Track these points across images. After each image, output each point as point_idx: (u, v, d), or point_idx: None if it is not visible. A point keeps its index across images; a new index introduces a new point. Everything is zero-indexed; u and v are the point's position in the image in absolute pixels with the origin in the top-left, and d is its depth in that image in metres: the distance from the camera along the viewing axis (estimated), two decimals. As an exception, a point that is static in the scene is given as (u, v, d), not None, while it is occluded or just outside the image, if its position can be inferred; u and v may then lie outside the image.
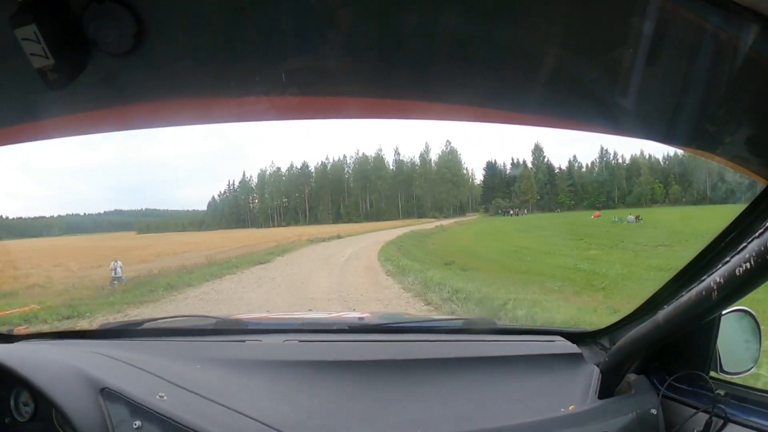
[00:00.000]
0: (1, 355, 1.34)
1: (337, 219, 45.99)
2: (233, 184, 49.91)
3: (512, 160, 47.51)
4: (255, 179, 49.71)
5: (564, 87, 1.25)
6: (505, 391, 1.54)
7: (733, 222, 1.29)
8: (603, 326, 1.81)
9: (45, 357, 1.45)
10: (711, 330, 1.44)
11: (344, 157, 50.54)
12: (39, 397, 1.33)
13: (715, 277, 1.06)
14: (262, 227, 44.84)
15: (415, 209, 47.13)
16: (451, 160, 48.70)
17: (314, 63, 1.22)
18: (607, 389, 1.47)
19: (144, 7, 1.01)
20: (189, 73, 1.23)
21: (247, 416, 1.27)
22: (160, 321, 2.06)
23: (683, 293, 1.18)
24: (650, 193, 41.52)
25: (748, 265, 0.96)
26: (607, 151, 44.95)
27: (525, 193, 44.76)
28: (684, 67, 1.11)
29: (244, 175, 51.46)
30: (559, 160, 47.34)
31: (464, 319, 2.07)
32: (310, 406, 1.42)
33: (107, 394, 1.27)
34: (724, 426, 1.30)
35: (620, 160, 44.13)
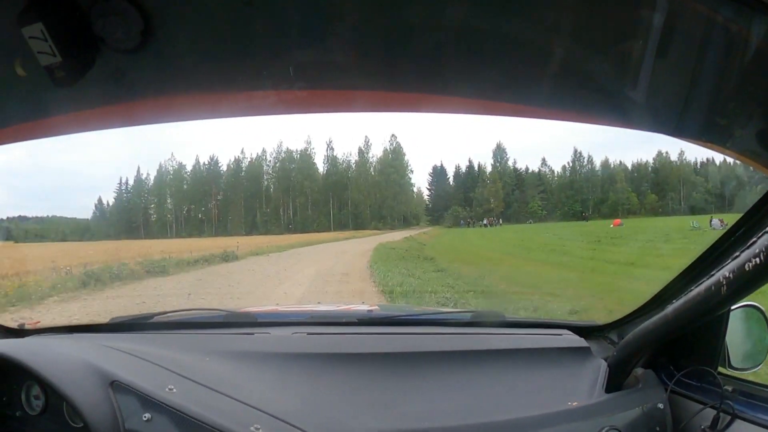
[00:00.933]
0: (12, 349, 1.35)
1: (252, 229, 38.84)
2: (126, 184, 40.38)
3: (469, 162, 42.04)
4: (152, 178, 41.16)
5: (573, 79, 1.24)
6: (512, 384, 1.55)
7: (742, 217, 1.28)
8: (611, 320, 1.81)
9: (55, 351, 1.46)
10: (720, 325, 1.44)
11: (263, 152, 42.00)
12: (49, 390, 1.34)
13: (725, 272, 1.06)
14: (158, 238, 34.62)
15: (350, 219, 40.55)
16: (396, 159, 42.12)
17: (322, 56, 1.22)
18: (614, 383, 1.48)
19: (150, 4, 1.01)
20: (196, 69, 1.24)
21: (255, 408, 1.28)
22: (170, 314, 2.07)
23: (692, 288, 1.18)
24: (626, 202, 38.83)
25: (757, 260, 0.95)
26: (580, 154, 40.89)
27: (487, 201, 39.47)
28: (694, 60, 1.10)
29: (138, 171, 41.93)
30: (523, 163, 42.67)
31: (473, 312, 2.07)
32: (319, 398, 1.43)
33: (117, 386, 1.28)
34: (731, 422, 1.30)
35: (593, 166, 40.64)
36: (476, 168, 41.98)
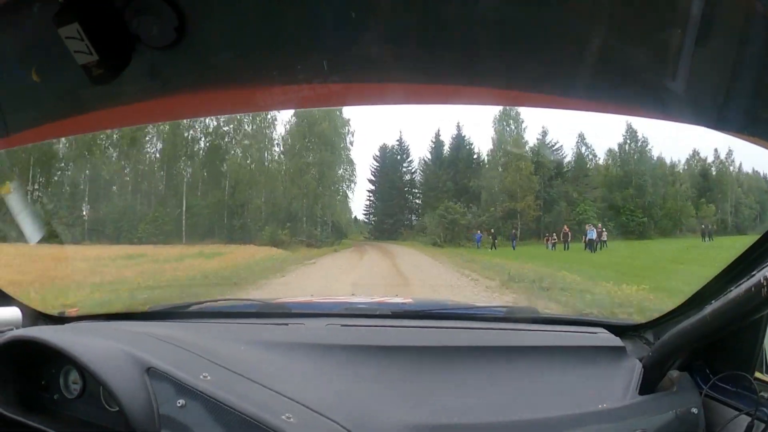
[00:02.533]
0: (53, 335, 1.40)
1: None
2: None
3: (458, 130, 30.46)
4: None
5: (611, 71, 1.21)
6: (545, 381, 1.53)
7: None
8: (647, 320, 1.77)
9: (94, 337, 1.50)
10: (759, 328, 1.39)
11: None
12: (87, 375, 1.38)
13: (766, 272, 1.03)
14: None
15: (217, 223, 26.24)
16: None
17: (355, 50, 1.21)
18: (648, 385, 1.45)
19: (183, 1, 1.02)
20: (231, 63, 1.25)
21: (287, 397, 1.30)
22: (205, 304, 2.11)
23: (731, 289, 1.15)
24: (687, 212, 27.30)
25: None
26: (634, 133, 27.66)
27: (509, 196, 25.92)
28: (737, 49, 1.06)
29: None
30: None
31: (507, 308, 2.05)
32: (351, 389, 1.44)
33: (153, 373, 1.31)
34: (766, 430, 1.27)
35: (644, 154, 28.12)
36: (472, 143, 30.36)
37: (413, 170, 33.43)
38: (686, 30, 1.03)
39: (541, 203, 27.08)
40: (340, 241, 29.34)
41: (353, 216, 34.62)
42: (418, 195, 33.16)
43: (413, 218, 32.45)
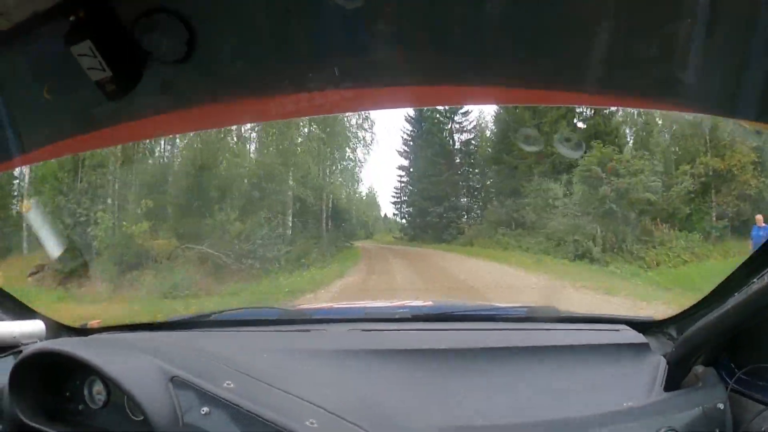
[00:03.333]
0: (76, 347, 1.41)
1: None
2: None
3: None
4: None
5: (624, 63, 1.21)
6: (568, 381, 1.52)
7: None
8: (670, 315, 1.75)
9: (117, 348, 1.52)
10: None
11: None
12: (112, 385, 1.39)
13: None
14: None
15: None
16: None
17: (365, 55, 1.22)
18: (673, 381, 1.43)
19: (193, 16, 1.03)
20: (243, 75, 1.26)
21: (311, 403, 1.30)
22: (227, 313, 2.12)
23: (754, 281, 1.14)
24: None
25: None
26: None
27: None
28: (747, 38, 1.06)
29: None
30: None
31: (528, 307, 2.04)
32: (373, 394, 1.44)
33: (177, 382, 1.32)
34: None
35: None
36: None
37: (471, 125, 22.28)
38: (698, 19, 1.02)
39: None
40: (349, 245, 22.32)
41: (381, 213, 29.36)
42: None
43: (476, 206, 22.00)
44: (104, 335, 1.89)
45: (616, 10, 1.07)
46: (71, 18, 0.98)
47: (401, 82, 1.35)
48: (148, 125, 1.39)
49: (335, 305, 2.56)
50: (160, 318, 2.11)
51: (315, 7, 1.07)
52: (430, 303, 2.33)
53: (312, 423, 1.22)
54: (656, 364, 1.51)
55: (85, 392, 1.49)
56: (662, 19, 1.07)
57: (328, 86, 1.31)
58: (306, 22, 1.10)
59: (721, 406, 1.33)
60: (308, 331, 1.84)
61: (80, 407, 1.49)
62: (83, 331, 1.97)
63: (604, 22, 1.10)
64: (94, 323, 2.05)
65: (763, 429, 1.28)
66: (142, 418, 1.26)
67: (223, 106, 1.36)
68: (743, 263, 1.43)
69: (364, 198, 27.59)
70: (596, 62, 1.21)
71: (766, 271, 1.12)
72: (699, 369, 1.43)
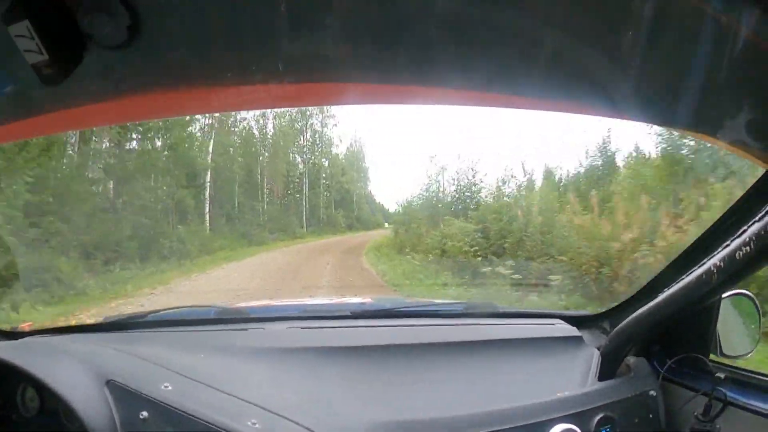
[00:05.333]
0: (6, 352, 1.35)
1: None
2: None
3: None
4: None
5: (565, 70, 1.24)
6: (506, 374, 1.56)
7: (733, 206, 1.29)
8: (603, 310, 1.82)
9: (49, 352, 1.46)
10: (711, 313, 1.45)
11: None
12: (45, 392, 1.34)
13: (716, 260, 1.07)
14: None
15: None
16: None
17: (312, 49, 1.21)
18: (607, 372, 1.49)
19: None
20: (185, 64, 1.23)
21: (251, 403, 1.29)
22: (163, 312, 2.07)
23: (684, 277, 1.19)
24: None
25: (747, 248, 0.97)
26: None
27: None
28: (685, 50, 1.10)
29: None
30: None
31: (466, 303, 2.08)
32: (315, 392, 1.43)
33: (113, 386, 1.28)
34: (723, 409, 1.32)
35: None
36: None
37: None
38: (638, 30, 1.06)
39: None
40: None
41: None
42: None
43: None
44: (36, 338, 1.81)
45: (558, 16, 1.09)
46: None
47: (346, 78, 1.34)
48: (87, 113, 1.34)
49: (273, 303, 2.52)
50: (96, 319, 2.03)
51: None
52: (369, 300, 2.34)
53: (254, 423, 1.21)
54: (590, 356, 1.57)
55: (18, 399, 1.43)
56: (601, 27, 1.10)
57: (272, 80, 1.30)
58: (252, 13, 1.08)
59: (653, 393, 1.40)
60: (246, 330, 1.81)
61: (13, 416, 1.43)
62: (14, 335, 1.88)
63: (545, 27, 1.12)
64: (25, 326, 1.95)
65: (694, 414, 1.34)
66: (78, 425, 1.22)
67: (164, 95, 1.32)
68: (674, 260, 1.50)
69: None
70: (535, 67, 1.23)
71: (695, 267, 1.17)
72: (631, 360, 1.50)
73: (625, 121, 1.54)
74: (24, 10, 0.94)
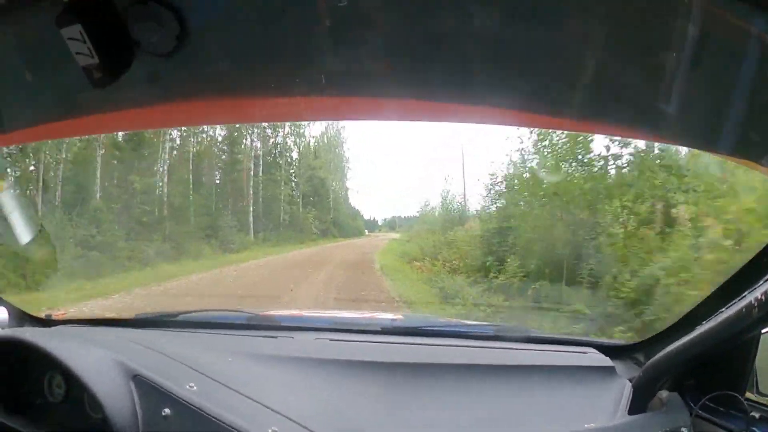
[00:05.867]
0: (37, 337, 1.38)
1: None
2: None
3: None
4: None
5: (605, 91, 1.23)
6: (533, 400, 1.53)
7: None
8: (638, 340, 1.78)
9: (80, 342, 1.49)
10: (750, 349, 1.40)
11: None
12: (72, 380, 1.36)
13: (757, 293, 1.04)
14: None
15: None
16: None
17: (352, 64, 1.22)
18: (638, 405, 1.45)
19: (186, 9, 1.03)
20: (229, 74, 1.26)
21: (274, 410, 1.29)
22: (193, 313, 2.09)
23: (723, 310, 1.16)
24: None
25: None
26: None
27: None
28: (729, 73, 1.08)
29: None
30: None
31: (497, 326, 2.05)
32: (337, 404, 1.43)
33: (138, 381, 1.30)
34: None
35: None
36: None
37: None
38: (681, 52, 1.05)
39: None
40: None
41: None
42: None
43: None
44: (68, 328, 1.85)
45: (599, 38, 1.09)
46: (64, 0, 0.98)
47: (386, 94, 1.35)
48: (132, 116, 1.38)
49: (304, 313, 2.53)
50: (127, 314, 2.07)
51: (306, 11, 1.08)
52: (400, 317, 2.33)
53: (274, 430, 1.21)
54: (621, 388, 1.52)
55: (45, 385, 1.46)
56: (644, 49, 1.09)
57: (313, 92, 1.31)
58: (296, 27, 1.10)
59: (684, 430, 1.35)
60: (275, 337, 1.82)
61: (38, 401, 1.46)
62: (47, 322, 1.93)
63: (586, 48, 1.12)
64: (58, 315, 2.01)
65: None
66: (101, 415, 1.24)
67: (207, 103, 1.36)
68: (714, 292, 1.46)
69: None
70: (576, 88, 1.23)
71: (734, 300, 1.14)
72: (664, 394, 1.45)
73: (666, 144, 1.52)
74: (77, 14, 0.98)
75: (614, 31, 1.06)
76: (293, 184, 23.50)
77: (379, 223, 29.81)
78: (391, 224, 27.94)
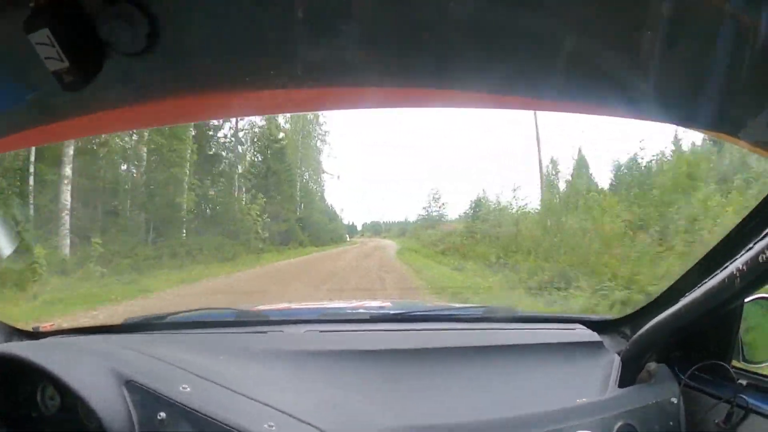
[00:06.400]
0: (27, 351, 1.37)
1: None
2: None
3: None
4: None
5: (584, 71, 1.23)
6: (525, 379, 1.55)
7: (756, 208, 1.27)
8: (624, 314, 1.80)
9: (69, 352, 1.48)
10: (734, 318, 1.43)
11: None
12: (64, 391, 1.35)
13: (738, 264, 1.06)
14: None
15: None
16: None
17: (331, 54, 1.21)
18: (627, 378, 1.47)
19: (156, 7, 1.01)
20: (204, 70, 1.24)
21: (269, 406, 1.29)
22: (182, 314, 2.08)
23: (706, 281, 1.18)
24: None
25: None
26: None
27: None
28: (706, 50, 1.09)
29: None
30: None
31: (485, 308, 2.07)
32: (332, 395, 1.43)
33: (131, 386, 1.29)
34: (745, 416, 1.30)
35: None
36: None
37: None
38: (657, 30, 1.05)
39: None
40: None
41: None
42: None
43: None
44: (57, 339, 1.83)
45: (577, 18, 1.09)
46: (30, 4, 0.96)
47: (365, 82, 1.34)
48: (107, 118, 1.35)
49: (293, 306, 2.54)
50: (115, 320, 2.05)
51: (280, 2, 1.06)
52: (388, 304, 2.34)
53: (270, 426, 1.22)
54: (610, 362, 1.55)
55: (38, 398, 1.44)
56: (621, 28, 1.10)
57: (291, 84, 1.30)
58: (270, 18, 1.09)
59: (674, 400, 1.38)
60: (265, 332, 1.83)
61: (33, 414, 1.45)
62: (35, 335, 1.91)
63: (565, 29, 1.11)
64: (46, 326, 1.98)
65: (716, 421, 1.33)
66: (96, 424, 1.23)
67: (184, 101, 1.34)
68: (696, 264, 1.49)
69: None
70: (556, 69, 1.23)
71: (717, 271, 1.16)
72: (652, 366, 1.48)
73: (645, 121, 1.53)
74: (44, 18, 0.96)
75: (592, 11, 1.07)
76: (229, 155, 15.49)
77: (359, 228, 24.38)
78: (375, 229, 23.63)
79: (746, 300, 1.44)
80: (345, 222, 21.79)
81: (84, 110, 1.32)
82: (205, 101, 1.36)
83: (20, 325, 1.92)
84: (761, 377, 1.41)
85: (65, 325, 2.04)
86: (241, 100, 1.37)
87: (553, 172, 15.05)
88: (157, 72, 1.21)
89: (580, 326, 1.81)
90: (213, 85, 1.30)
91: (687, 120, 1.36)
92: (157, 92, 1.30)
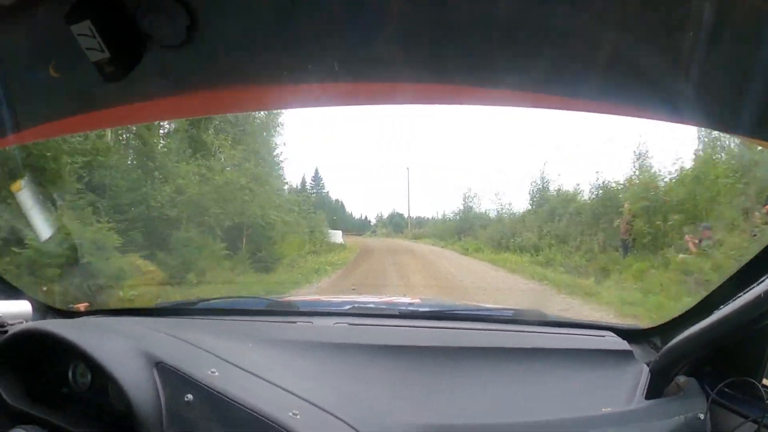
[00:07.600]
0: (62, 329, 1.41)
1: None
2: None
3: None
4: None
5: (622, 72, 1.21)
6: (551, 384, 1.53)
7: None
8: (656, 324, 1.77)
9: (102, 332, 1.51)
10: (767, 335, 1.39)
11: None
12: (96, 369, 1.38)
13: None
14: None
15: None
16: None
17: (367, 49, 1.21)
18: (655, 390, 1.44)
19: (196, 1, 1.03)
20: (241, 63, 1.26)
21: (294, 395, 1.30)
22: (213, 301, 2.12)
23: (741, 294, 1.15)
24: None
25: None
26: None
27: None
28: (750, 53, 1.05)
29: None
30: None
31: (515, 310, 2.05)
32: (358, 388, 1.44)
33: (161, 368, 1.32)
34: None
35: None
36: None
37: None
38: (700, 32, 1.02)
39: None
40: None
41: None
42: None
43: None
44: (90, 318, 1.88)
45: (617, 18, 1.07)
46: None
47: (400, 78, 1.34)
48: (145, 109, 1.38)
49: (323, 298, 2.56)
50: (147, 304, 2.10)
51: None
52: (418, 300, 2.34)
53: (295, 414, 1.22)
54: (639, 372, 1.52)
55: (69, 375, 1.48)
56: (661, 29, 1.07)
57: (327, 78, 1.31)
58: (308, 13, 1.10)
59: (701, 416, 1.35)
60: (294, 323, 1.84)
61: (63, 390, 1.48)
62: (70, 314, 1.96)
63: (604, 28, 1.09)
64: (80, 306, 2.04)
65: None
66: (125, 403, 1.26)
67: (220, 93, 1.36)
68: (731, 276, 1.45)
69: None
70: (593, 69, 1.21)
71: (753, 285, 1.12)
72: (681, 379, 1.44)
73: (684, 126, 1.50)
74: (86, 10, 0.99)
75: (631, 10, 1.04)
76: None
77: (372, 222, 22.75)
78: (397, 225, 20.99)
79: None
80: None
81: (122, 101, 1.35)
82: (241, 94, 1.37)
83: (55, 305, 1.97)
84: None
85: (98, 306, 2.09)
86: (277, 92, 1.38)
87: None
88: (195, 64, 1.23)
89: (610, 333, 1.77)
90: (250, 77, 1.32)
91: (728, 126, 1.32)
92: (194, 84, 1.32)
